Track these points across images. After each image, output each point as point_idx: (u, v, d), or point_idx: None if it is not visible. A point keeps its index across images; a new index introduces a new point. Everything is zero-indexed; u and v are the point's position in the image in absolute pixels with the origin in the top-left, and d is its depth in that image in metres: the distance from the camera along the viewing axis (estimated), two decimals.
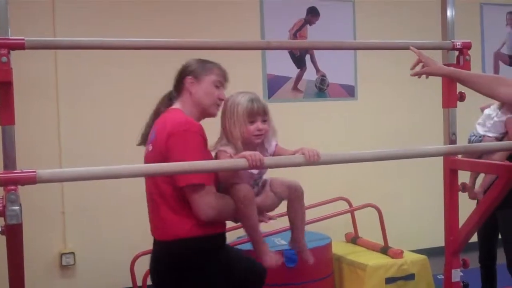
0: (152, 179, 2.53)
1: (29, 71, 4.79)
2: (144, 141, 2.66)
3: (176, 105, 2.59)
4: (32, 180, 2.06)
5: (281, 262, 2.54)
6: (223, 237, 2.62)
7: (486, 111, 4.10)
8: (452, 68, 2.83)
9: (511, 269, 4.11)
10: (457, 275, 3.31)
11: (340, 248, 5.20)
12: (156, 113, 2.65)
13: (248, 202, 2.42)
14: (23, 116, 4.93)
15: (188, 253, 2.45)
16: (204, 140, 2.47)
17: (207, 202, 2.38)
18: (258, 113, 2.47)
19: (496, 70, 6.53)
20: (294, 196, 2.58)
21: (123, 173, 2.26)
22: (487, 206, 3.10)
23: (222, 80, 2.61)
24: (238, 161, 2.29)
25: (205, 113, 2.60)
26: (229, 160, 2.35)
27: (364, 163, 4.45)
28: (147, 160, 2.55)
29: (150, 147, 2.52)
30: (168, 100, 2.66)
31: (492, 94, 2.66)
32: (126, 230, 5.15)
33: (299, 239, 2.63)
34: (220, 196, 2.45)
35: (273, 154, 2.59)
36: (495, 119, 4.01)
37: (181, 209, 2.44)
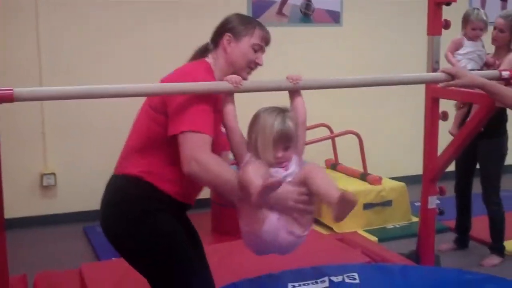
0: (144, 112, 2.38)
1: None
2: None
3: (209, 59, 2.43)
4: (9, 98, 2.03)
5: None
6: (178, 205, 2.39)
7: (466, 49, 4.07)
8: (484, 80, 2.73)
9: (486, 199, 4.19)
10: (433, 202, 3.38)
11: None
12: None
13: (251, 168, 2.09)
14: (3, 35, 4.86)
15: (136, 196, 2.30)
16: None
17: (197, 153, 2.14)
18: (280, 140, 2.17)
19: (484, 0, 6.46)
20: (307, 172, 2.16)
21: (103, 93, 2.24)
22: (466, 134, 3.13)
23: (263, 43, 2.43)
24: (221, 84, 2.27)
25: (238, 74, 2.38)
26: (212, 82, 2.29)
27: (346, 90, 4.50)
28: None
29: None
30: (202, 52, 2.48)
31: None
32: (108, 152, 5.12)
33: (334, 197, 2.11)
34: (217, 159, 2.19)
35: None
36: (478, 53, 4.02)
37: (164, 156, 2.29)
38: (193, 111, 2.19)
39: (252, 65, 2.41)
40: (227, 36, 2.38)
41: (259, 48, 2.41)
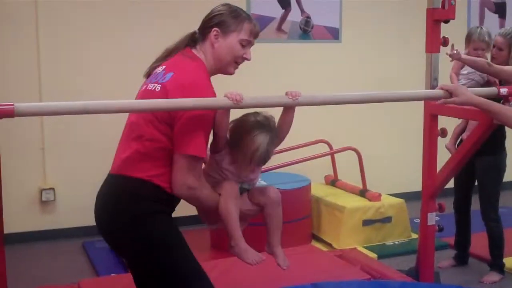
0: (147, 120, 2.33)
1: (7, 2, 4.70)
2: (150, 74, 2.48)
3: (199, 53, 2.42)
4: (9, 113, 2.03)
5: (262, 261, 2.41)
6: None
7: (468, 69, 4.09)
8: (483, 99, 2.75)
9: (484, 216, 4.19)
10: (432, 218, 3.38)
11: (319, 190, 5.26)
12: (173, 50, 2.46)
13: (229, 196, 2.36)
14: (2, 50, 4.89)
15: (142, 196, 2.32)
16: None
17: (190, 180, 2.27)
18: (259, 163, 2.42)
19: (482, 17, 6.50)
20: (268, 202, 2.46)
21: (103, 108, 2.25)
22: (466, 151, 3.14)
23: (251, 38, 2.39)
24: (220, 100, 2.27)
25: (222, 70, 2.41)
26: (213, 99, 2.29)
27: (345, 106, 4.51)
28: (147, 98, 2.34)
29: (159, 88, 2.32)
30: (190, 41, 2.46)
31: None
32: (107, 167, 5.13)
33: (273, 244, 2.50)
34: (206, 185, 2.37)
35: None
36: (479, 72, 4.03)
37: (163, 164, 2.30)
38: (199, 134, 2.23)
39: (239, 60, 2.40)
40: (214, 31, 2.37)
41: (247, 43, 2.39)
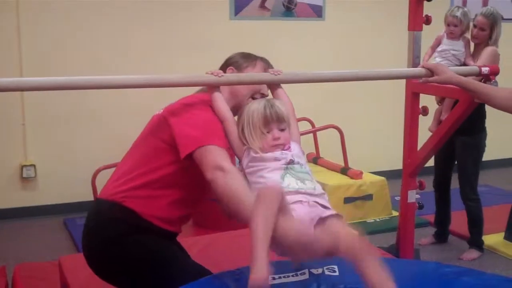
0: (152, 137, 2.31)
1: None
2: None
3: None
4: None
5: None
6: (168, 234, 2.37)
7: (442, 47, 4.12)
8: (464, 77, 2.75)
9: (463, 195, 4.23)
10: (413, 196, 3.40)
11: None
12: None
13: (262, 202, 1.76)
14: None
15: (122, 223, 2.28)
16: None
17: (221, 161, 2.06)
18: (272, 120, 2.10)
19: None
20: (343, 250, 1.79)
21: (83, 84, 2.23)
22: (446, 130, 3.15)
23: (265, 92, 2.41)
24: (203, 76, 2.26)
25: (240, 105, 2.32)
26: (195, 75, 2.28)
27: (328, 84, 4.50)
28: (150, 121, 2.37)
29: (160, 111, 2.33)
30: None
31: (508, 107, 2.59)
32: (88, 144, 5.13)
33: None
34: (240, 174, 2.09)
35: None
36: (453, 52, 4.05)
37: (156, 188, 2.26)
38: (201, 124, 2.18)
39: (257, 96, 2.38)
40: (230, 70, 2.39)
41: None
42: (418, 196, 3.53)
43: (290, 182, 1.97)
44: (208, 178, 2.07)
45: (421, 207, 3.48)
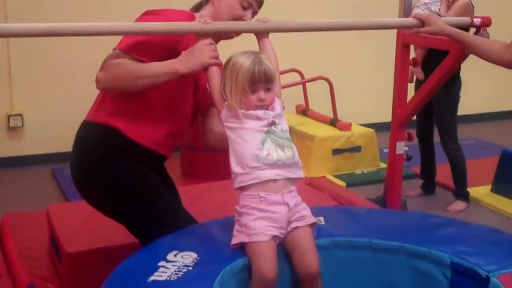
0: None
1: None
2: None
3: (196, 14, 2.35)
4: None
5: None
6: (147, 153, 2.32)
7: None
8: (455, 29, 2.67)
9: (444, 146, 4.25)
10: (401, 147, 3.40)
11: (290, 119, 5.16)
12: None
13: (262, 257, 1.92)
14: None
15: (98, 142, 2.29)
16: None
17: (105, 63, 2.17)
18: (260, 80, 1.98)
19: None
20: (306, 276, 2.00)
21: (68, 31, 2.17)
22: (437, 81, 3.14)
23: (253, 1, 2.29)
24: (189, 23, 2.21)
25: (221, 34, 2.30)
26: (180, 23, 2.23)
27: (318, 35, 4.46)
28: None
29: None
30: (196, 8, 2.39)
31: (500, 60, 2.54)
32: (75, 93, 5.07)
33: None
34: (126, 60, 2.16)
35: None
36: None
37: (135, 102, 2.25)
38: (137, 37, 2.16)
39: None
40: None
41: (248, 6, 2.30)
42: (406, 148, 3.53)
43: (270, 150, 1.96)
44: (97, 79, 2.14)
45: (409, 158, 3.49)
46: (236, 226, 2.00)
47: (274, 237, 1.94)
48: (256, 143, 1.97)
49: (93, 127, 2.31)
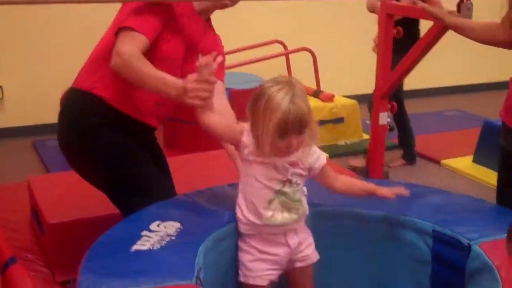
0: (113, 23, 2.26)
1: None
2: None
3: None
4: None
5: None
6: (139, 126, 2.32)
7: None
8: (451, 18, 2.51)
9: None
10: (384, 118, 3.41)
11: None
12: None
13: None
14: None
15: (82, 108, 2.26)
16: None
17: (122, 47, 2.04)
18: (293, 129, 1.77)
19: None
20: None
21: None
22: (420, 52, 3.13)
23: None
24: None
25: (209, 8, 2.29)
26: None
27: (301, 6, 4.44)
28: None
29: None
30: None
31: (494, 39, 2.43)
32: (57, 64, 5.01)
33: None
34: (143, 58, 2.05)
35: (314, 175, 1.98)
36: None
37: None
38: (138, 10, 2.11)
39: None
40: None
41: None
42: (389, 119, 3.54)
43: (274, 213, 1.87)
44: (110, 66, 2.06)
45: (391, 129, 3.51)
46: (238, 263, 1.96)
47: (272, 280, 1.94)
48: (263, 201, 1.87)
49: (78, 95, 2.29)
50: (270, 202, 1.87)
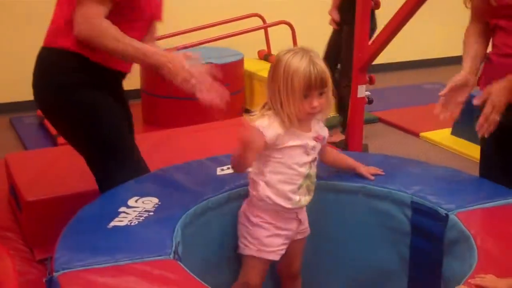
0: None
1: None
2: None
3: None
4: None
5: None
6: (112, 75, 2.30)
7: None
8: None
9: (338, 81, 4.30)
10: (362, 90, 3.39)
11: (252, 64, 5.22)
12: None
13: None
14: None
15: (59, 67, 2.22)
16: None
17: (84, 14, 2.04)
18: (315, 85, 1.81)
19: None
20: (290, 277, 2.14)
21: None
22: (398, 23, 3.11)
23: None
24: None
25: None
26: None
27: None
28: None
29: None
30: None
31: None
32: (30, 42, 4.93)
33: None
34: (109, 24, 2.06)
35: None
36: None
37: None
38: None
39: None
40: None
41: None
42: (368, 92, 3.53)
43: (300, 197, 1.92)
44: (75, 33, 2.06)
45: (370, 101, 3.50)
46: (245, 234, 1.95)
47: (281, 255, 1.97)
48: (293, 186, 1.90)
49: (50, 53, 2.24)
50: (300, 187, 1.92)
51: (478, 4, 2.25)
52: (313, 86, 1.81)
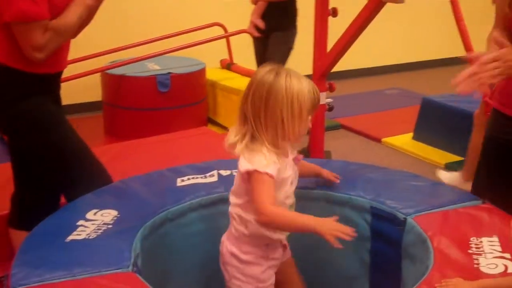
0: None
1: None
2: None
3: None
4: None
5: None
6: (47, 80, 2.24)
7: None
8: None
9: None
10: (323, 98, 3.42)
11: (214, 74, 5.22)
12: None
13: None
14: None
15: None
16: None
17: (31, 42, 2.04)
18: (318, 103, 1.78)
19: None
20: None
21: None
22: (356, 29, 3.15)
23: None
24: None
25: None
26: None
27: None
28: None
29: None
30: None
31: None
32: None
33: None
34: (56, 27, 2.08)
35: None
36: None
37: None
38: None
39: None
40: None
41: None
42: (329, 99, 3.56)
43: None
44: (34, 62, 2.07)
45: (330, 109, 3.53)
46: (237, 275, 1.82)
47: None
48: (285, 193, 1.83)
49: None
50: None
51: (498, 9, 2.07)
52: (316, 104, 1.76)
